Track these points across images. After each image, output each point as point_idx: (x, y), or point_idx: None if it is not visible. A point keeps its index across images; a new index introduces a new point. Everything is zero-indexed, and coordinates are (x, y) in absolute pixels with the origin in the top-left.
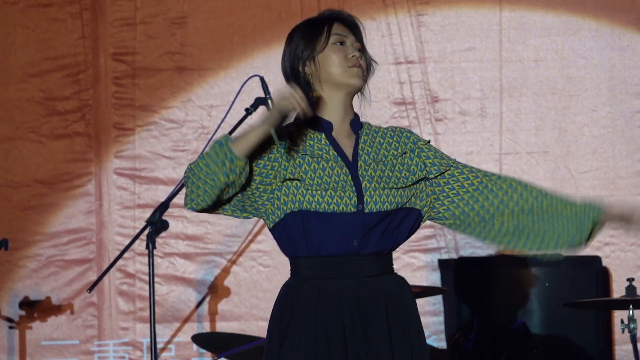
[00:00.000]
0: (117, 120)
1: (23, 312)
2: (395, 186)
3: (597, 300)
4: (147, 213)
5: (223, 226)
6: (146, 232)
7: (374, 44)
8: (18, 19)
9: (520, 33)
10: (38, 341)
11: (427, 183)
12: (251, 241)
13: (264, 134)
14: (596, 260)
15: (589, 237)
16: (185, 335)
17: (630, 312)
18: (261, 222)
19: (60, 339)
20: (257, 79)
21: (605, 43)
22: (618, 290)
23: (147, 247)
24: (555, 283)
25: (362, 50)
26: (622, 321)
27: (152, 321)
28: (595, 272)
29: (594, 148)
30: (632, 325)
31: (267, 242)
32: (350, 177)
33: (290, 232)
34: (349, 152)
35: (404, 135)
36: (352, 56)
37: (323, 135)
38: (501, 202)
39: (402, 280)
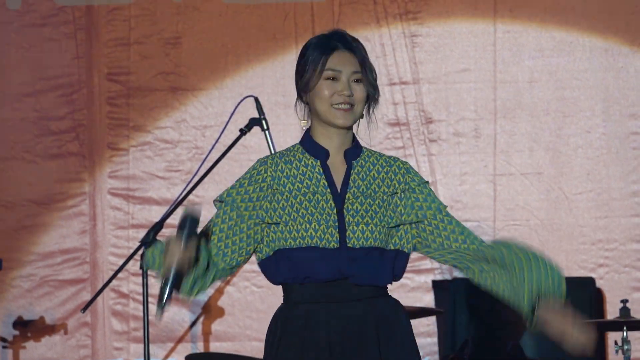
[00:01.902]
0: (111, 140)
1: (17, 332)
2: (379, 223)
3: (591, 322)
4: (141, 233)
5: None
6: (140, 252)
7: None
8: (12, 39)
9: (515, 54)
10: None
11: (413, 225)
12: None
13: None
14: (590, 281)
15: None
16: (179, 356)
17: (624, 333)
18: None
19: (54, 359)
20: (252, 99)
21: (600, 64)
22: (612, 312)
23: (141, 267)
24: None
25: (361, 79)
26: (615, 342)
27: (146, 341)
28: (589, 293)
29: (588, 169)
30: (626, 347)
31: None
32: (335, 211)
33: (279, 265)
34: (339, 183)
35: (400, 172)
36: (341, 94)
37: (318, 163)
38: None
39: (395, 302)
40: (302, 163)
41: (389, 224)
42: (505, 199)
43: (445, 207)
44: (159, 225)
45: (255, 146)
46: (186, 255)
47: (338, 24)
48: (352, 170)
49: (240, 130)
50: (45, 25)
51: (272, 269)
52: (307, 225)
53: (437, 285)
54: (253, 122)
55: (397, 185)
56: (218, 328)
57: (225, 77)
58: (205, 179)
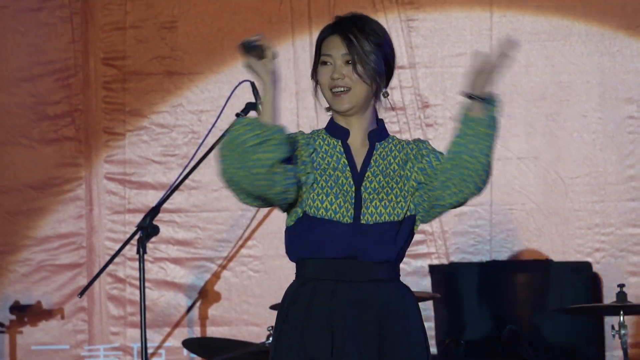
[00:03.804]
0: (107, 124)
1: (13, 317)
2: (394, 199)
3: (588, 306)
4: (138, 218)
5: (213, 231)
6: (137, 237)
7: None
8: (8, 23)
9: (511, 38)
10: (28, 346)
11: (428, 188)
12: (241, 246)
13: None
14: (586, 265)
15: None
16: (175, 340)
17: (621, 318)
18: (251, 227)
19: (51, 343)
20: (248, 83)
21: (596, 48)
22: (609, 296)
23: (138, 252)
24: (545, 289)
25: (352, 60)
26: (612, 327)
27: (143, 326)
28: (585, 277)
29: (585, 154)
30: (622, 331)
31: (257, 247)
32: (353, 189)
33: (299, 233)
34: (359, 162)
35: (416, 146)
36: (332, 79)
37: (339, 142)
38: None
39: (405, 289)
40: (325, 142)
41: (404, 194)
42: (502, 184)
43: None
44: (155, 210)
45: None
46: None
47: (334, 7)
48: (374, 152)
49: (237, 114)
50: (41, 10)
51: (294, 239)
52: (325, 197)
53: (433, 269)
54: (249, 107)
55: (408, 155)
56: (215, 313)
57: (221, 61)
58: (202, 164)
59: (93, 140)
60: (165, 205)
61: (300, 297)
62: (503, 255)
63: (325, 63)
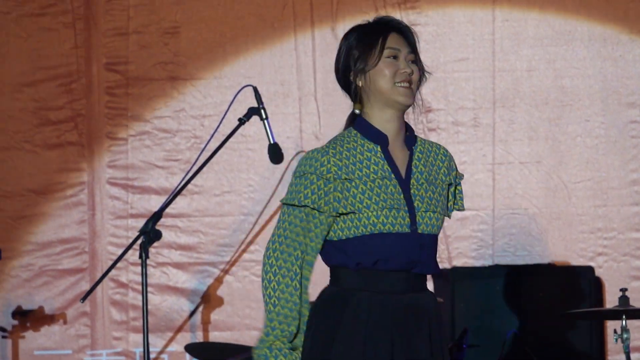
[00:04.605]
0: (110, 129)
1: (16, 322)
2: (440, 211)
3: (590, 311)
4: (140, 223)
5: (216, 236)
6: (139, 241)
7: None
8: (11, 29)
9: (513, 43)
10: (31, 351)
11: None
12: (244, 251)
13: None
14: (589, 270)
15: None
16: (178, 345)
17: (624, 322)
18: (254, 232)
19: (53, 348)
20: (250, 88)
21: (598, 53)
22: (611, 301)
23: (140, 256)
24: (548, 293)
25: (416, 61)
26: (615, 331)
27: (145, 331)
28: (588, 282)
29: (587, 158)
30: (625, 336)
31: (259, 251)
32: (402, 197)
33: (349, 247)
34: (402, 168)
35: (452, 165)
36: (404, 72)
37: (378, 148)
38: None
39: (434, 296)
40: (365, 148)
41: (443, 211)
42: (504, 188)
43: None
44: (157, 215)
45: (254, 135)
46: None
47: (337, 13)
48: (413, 157)
49: (239, 119)
50: (44, 15)
51: (339, 250)
52: (379, 212)
53: (436, 274)
54: (252, 112)
55: (447, 177)
56: (217, 317)
57: (224, 67)
58: (204, 169)
59: (96, 145)
60: (167, 210)
61: (354, 309)
62: (505, 260)
63: (393, 57)
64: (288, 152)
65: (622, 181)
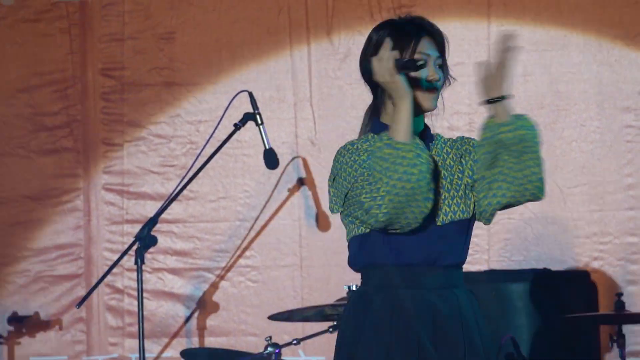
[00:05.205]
0: (106, 135)
1: (12, 328)
2: (463, 194)
3: (586, 316)
4: (136, 228)
5: (211, 241)
6: (135, 247)
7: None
8: (6, 34)
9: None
10: (27, 357)
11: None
12: (239, 256)
13: (408, 104)
14: (584, 274)
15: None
16: (173, 351)
17: (619, 327)
18: (249, 237)
19: (49, 354)
20: (246, 94)
21: (594, 58)
22: (606, 305)
23: (136, 262)
24: (543, 298)
25: (443, 65)
26: (610, 336)
27: (141, 336)
28: (583, 286)
29: (583, 163)
30: (620, 341)
31: (255, 257)
32: None
33: (372, 241)
34: None
35: (464, 141)
36: (432, 79)
37: None
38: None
39: (472, 294)
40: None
41: (466, 192)
42: None
43: None
44: (153, 221)
45: (249, 141)
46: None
47: (332, 18)
48: (429, 150)
49: (235, 125)
50: (39, 21)
51: (364, 245)
52: None
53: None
54: (247, 117)
55: (460, 147)
56: (213, 323)
57: (219, 72)
58: (200, 174)
59: (91, 151)
60: (163, 216)
61: (379, 305)
62: (501, 265)
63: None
64: (283, 157)
65: (617, 186)
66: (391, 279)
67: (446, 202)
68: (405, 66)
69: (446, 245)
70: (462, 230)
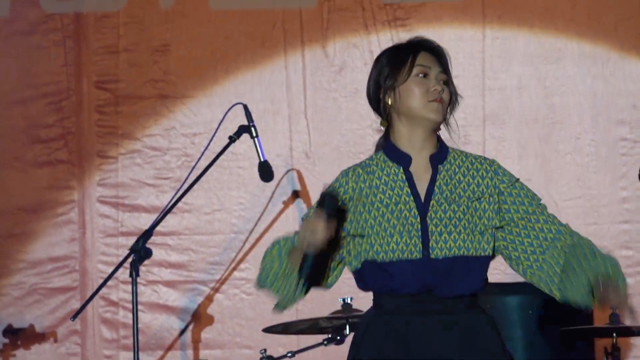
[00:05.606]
0: (100, 148)
1: (6, 340)
2: (463, 230)
3: (581, 329)
4: (130, 241)
5: (206, 254)
6: (129, 260)
7: (356, 71)
8: (0, 46)
9: (503, 61)
10: None
11: (498, 229)
12: (234, 269)
13: (302, 255)
14: None
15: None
16: None
17: (614, 340)
18: (244, 250)
19: None
20: (241, 106)
21: (588, 70)
22: (601, 318)
23: (131, 275)
24: (538, 311)
25: (447, 82)
26: (605, 349)
27: (136, 349)
28: None
29: (577, 176)
30: (615, 354)
31: (250, 270)
32: (418, 220)
33: (367, 275)
34: (423, 190)
35: (488, 175)
36: (434, 90)
37: (401, 170)
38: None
39: (485, 317)
40: (385, 172)
41: (474, 230)
42: None
43: (539, 202)
44: (148, 233)
45: (244, 153)
46: (326, 235)
47: (327, 31)
48: (438, 176)
49: (230, 137)
50: (33, 33)
51: (363, 278)
52: (389, 239)
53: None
54: (242, 130)
55: (484, 190)
56: (207, 336)
57: (214, 85)
58: (195, 187)
59: (86, 163)
60: (158, 228)
61: (374, 327)
62: (495, 278)
63: (424, 75)
64: (278, 170)
65: (612, 199)
66: (391, 306)
67: (442, 236)
68: (327, 207)
69: (441, 279)
70: (463, 266)
